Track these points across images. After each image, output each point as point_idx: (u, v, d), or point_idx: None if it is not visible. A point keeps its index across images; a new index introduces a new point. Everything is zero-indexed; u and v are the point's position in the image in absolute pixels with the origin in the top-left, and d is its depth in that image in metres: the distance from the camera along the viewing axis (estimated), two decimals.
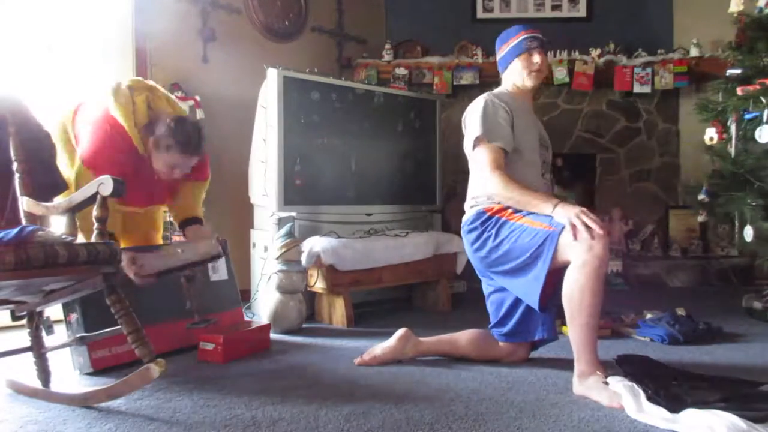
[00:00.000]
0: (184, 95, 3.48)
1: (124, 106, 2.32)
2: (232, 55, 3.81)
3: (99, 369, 2.15)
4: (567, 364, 2.26)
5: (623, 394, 1.76)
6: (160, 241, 2.84)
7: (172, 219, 2.73)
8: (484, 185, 2.13)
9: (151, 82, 2.55)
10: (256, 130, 3.33)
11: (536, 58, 2.23)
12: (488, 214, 2.12)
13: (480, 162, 2.14)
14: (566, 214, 1.88)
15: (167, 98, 2.55)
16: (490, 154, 2.11)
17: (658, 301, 3.37)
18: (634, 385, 1.80)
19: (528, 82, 2.26)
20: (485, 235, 2.10)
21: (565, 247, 1.88)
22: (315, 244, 3.04)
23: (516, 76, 2.27)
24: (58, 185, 2.09)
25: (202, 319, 2.42)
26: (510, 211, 2.07)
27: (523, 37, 2.22)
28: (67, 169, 2.43)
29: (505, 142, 2.13)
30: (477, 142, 2.15)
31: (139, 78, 2.56)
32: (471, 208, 2.21)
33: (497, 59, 2.34)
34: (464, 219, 2.24)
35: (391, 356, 2.27)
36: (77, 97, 2.55)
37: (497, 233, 2.06)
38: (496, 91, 2.32)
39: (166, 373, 1.79)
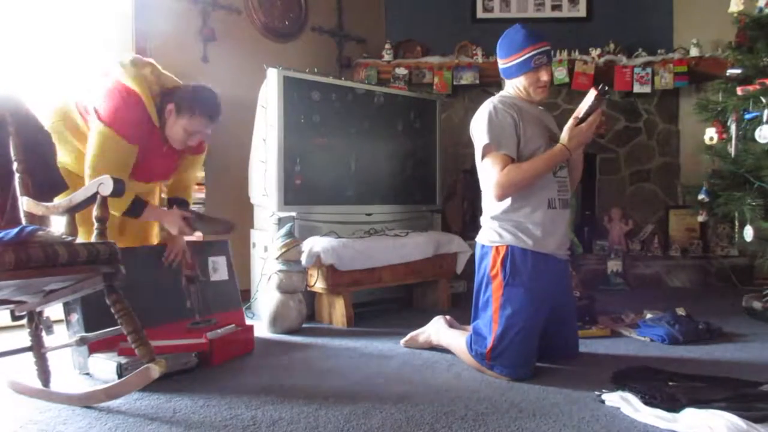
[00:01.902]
0: None
1: (135, 75, 2.28)
2: (232, 55, 3.81)
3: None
4: (567, 365, 2.26)
5: (621, 402, 1.76)
6: (156, 240, 2.83)
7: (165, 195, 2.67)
8: (498, 196, 2.12)
9: (149, 59, 2.52)
10: (256, 130, 3.33)
11: (544, 77, 2.18)
12: (490, 259, 2.17)
13: (488, 171, 2.13)
14: (578, 143, 2.15)
15: (168, 75, 2.50)
16: (498, 163, 2.10)
17: (658, 301, 3.37)
18: (630, 393, 1.80)
19: (535, 97, 2.24)
20: (481, 271, 2.23)
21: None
22: (315, 244, 3.03)
23: (521, 89, 2.23)
24: (58, 185, 2.08)
25: (203, 319, 2.43)
26: (499, 279, 2.13)
27: (530, 54, 2.14)
28: (67, 148, 2.38)
29: (511, 150, 2.12)
30: (485, 150, 2.14)
31: (138, 55, 2.51)
32: (487, 230, 2.23)
33: (500, 67, 2.26)
34: (480, 236, 2.26)
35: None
36: (79, 84, 2.49)
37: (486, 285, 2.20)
38: (502, 93, 2.28)
39: (166, 372, 1.79)
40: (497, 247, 2.16)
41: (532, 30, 2.17)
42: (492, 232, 2.19)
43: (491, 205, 2.22)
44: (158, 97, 2.31)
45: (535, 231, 2.14)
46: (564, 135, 2.14)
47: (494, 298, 2.14)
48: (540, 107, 2.36)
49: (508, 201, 2.16)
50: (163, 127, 2.33)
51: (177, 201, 2.58)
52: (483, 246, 2.23)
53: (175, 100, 2.30)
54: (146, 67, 2.37)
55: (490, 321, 2.13)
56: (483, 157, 2.16)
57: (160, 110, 2.31)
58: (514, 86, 2.26)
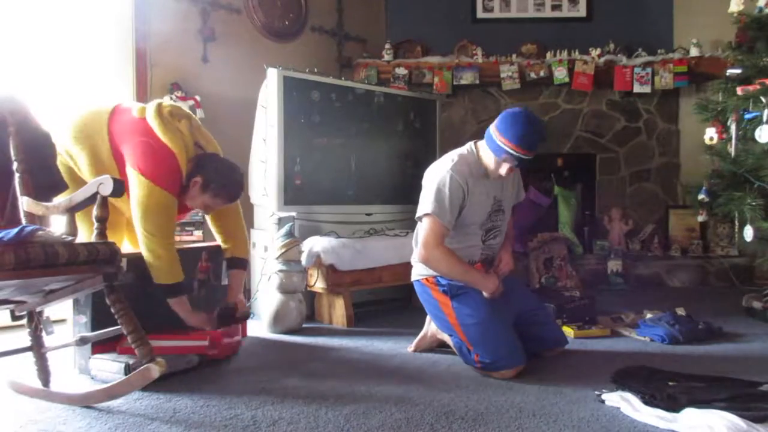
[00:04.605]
0: (184, 95, 3.48)
1: (173, 133, 2.24)
2: (232, 55, 3.81)
3: None
4: (567, 364, 2.27)
5: (621, 402, 1.76)
6: None
7: (222, 244, 2.59)
8: (421, 258, 2.22)
9: (186, 110, 2.46)
10: (256, 130, 3.33)
11: (504, 170, 2.19)
12: (428, 288, 2.31)
13: (424, 232, 2.20)
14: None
15: (201, 128, 2.46)
16: (434, 228, 2.17)
17: (658, 301, 3.37)
18: (630, 393, 1.80)
19: (492, 175, 2.26)
20: (428, 301, 2.35)
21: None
22: (315, 244, 3.03)
23: (487, 164, 2.23)
24: (58, 185, 2.08)
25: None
26: (445, 298, 2.25)
27: (510, 149, 2.11)
28: (85, 166, 2.30)
29: (449, 223, 2.18)
30: (426, 216, 2.20)
31: (178, 105, 2.46)
32: (415, 266, 2.39)
33: (490, 132, 2.20)
34: (412, 274, 2.40)
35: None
36: (111, 98, 2.46)
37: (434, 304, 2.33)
38: (468, 152, 2.27)
39: (168, 372, 1.79)
40: (427, 278, 2.30)
41: (531, 135, 2.12)
42: (419, 266, 2.34)
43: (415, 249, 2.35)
44: (190, 163, 2.28)
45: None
46: (487, 280, 2.22)
47: (449, 314, 2.24)
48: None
49: (433, 269, 2.25)
50: (185, 191, 2.29)
51: (235, 262, 2.55)
52: (417, 281, 2.36)
53: (204, 176, 2.26)
54: (183, 119, 2.33)
55: (457, 333, 2.22)
56: (422, 217, 2.22)
57: (188, 176, 2.27)
58: (485, 151, 2.24)
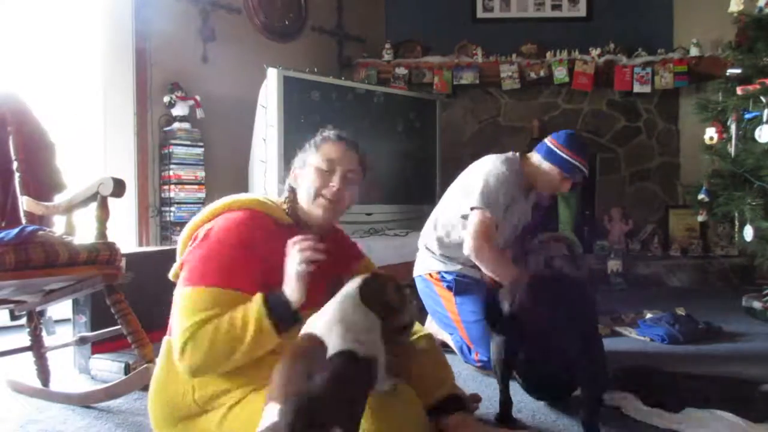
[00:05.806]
0: (184, 95, 3.47)
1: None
2: (232, 55, 3.81)
3: None
4: None
5: (621, 402, 1.76)
6: None
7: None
8: (472, 249, 2.13)
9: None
10: (256, 130, 3.33)
11: (567, 186, 2.26)
12: (432, 284, 2.31)
13: (474, 225, 2.14)
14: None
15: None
16: (486, 223, 2.13)
17: (658, 301, 3.37)
18: (630, 393, 1.80)
19: (540, 187, 2.28)
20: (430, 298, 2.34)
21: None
22: None
23: (544, 179, 2.24)
24: (59, 184, 2.08)
25: None
26: (448, 294, 2.25)
27: (580, 166, 2.17)
28: None
29: (498, 218, 2.16)
30: (474, 210, 2.17)
31: None
32: (422, 260, 2.39)
33: (550, 147, 2.21)
34: (415, 268, 2.41)
35: None
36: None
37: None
38: (515, 168, 2.25)
39: None
40: (431, 274, 2.32)
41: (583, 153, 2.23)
42: (424, 262, 2.36)
43: (430, 236, 2.34)
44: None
45: (470, 266, 2.24)
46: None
47: (451, 311, 2.24)
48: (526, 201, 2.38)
49: (455, 241, 2.24)
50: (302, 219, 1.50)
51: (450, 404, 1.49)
52: (420, 277, 2.37)
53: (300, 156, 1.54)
54: None
55: (458, 330, 2.23)
56: (474, 209, 2.16)
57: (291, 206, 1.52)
58: (536, 169, 2.24)
